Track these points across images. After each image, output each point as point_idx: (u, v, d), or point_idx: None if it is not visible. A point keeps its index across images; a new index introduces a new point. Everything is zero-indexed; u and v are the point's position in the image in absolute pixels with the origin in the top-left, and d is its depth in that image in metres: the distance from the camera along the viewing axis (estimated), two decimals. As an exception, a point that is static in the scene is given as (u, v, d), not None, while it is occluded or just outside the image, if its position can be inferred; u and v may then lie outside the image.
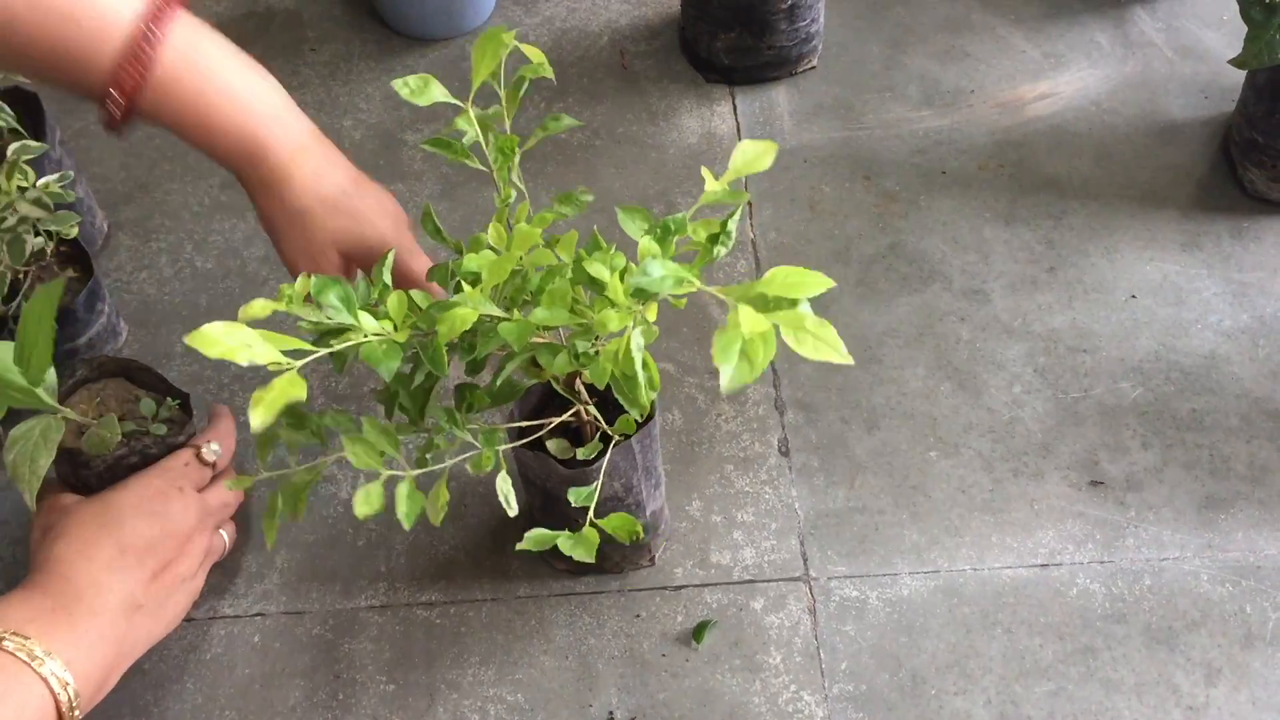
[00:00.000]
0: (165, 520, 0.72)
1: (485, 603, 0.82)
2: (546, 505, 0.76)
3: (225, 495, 0.78)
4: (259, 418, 0.51)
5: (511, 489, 0.65)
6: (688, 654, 0.80)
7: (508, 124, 0.66)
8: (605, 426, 0.71)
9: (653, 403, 0.73)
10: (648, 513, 0.79)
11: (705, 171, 0.58)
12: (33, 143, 0.82)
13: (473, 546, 0.84)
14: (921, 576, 0.83)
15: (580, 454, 0.71)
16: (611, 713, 0.77)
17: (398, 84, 0.64)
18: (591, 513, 0.67)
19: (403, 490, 0.61)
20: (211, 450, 0.77)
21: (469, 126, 0.65)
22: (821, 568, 0.83)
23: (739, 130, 1.09)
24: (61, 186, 0.83)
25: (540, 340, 0.62)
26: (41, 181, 0.83)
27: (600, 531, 0.66)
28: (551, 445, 0.73)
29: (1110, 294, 0.97)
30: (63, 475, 0.77)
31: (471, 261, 0.61)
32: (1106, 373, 0.93)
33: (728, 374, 0.46)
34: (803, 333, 0.47)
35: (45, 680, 0.63)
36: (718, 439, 0.89)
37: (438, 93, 0.64)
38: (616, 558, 0.82)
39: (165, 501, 0.73)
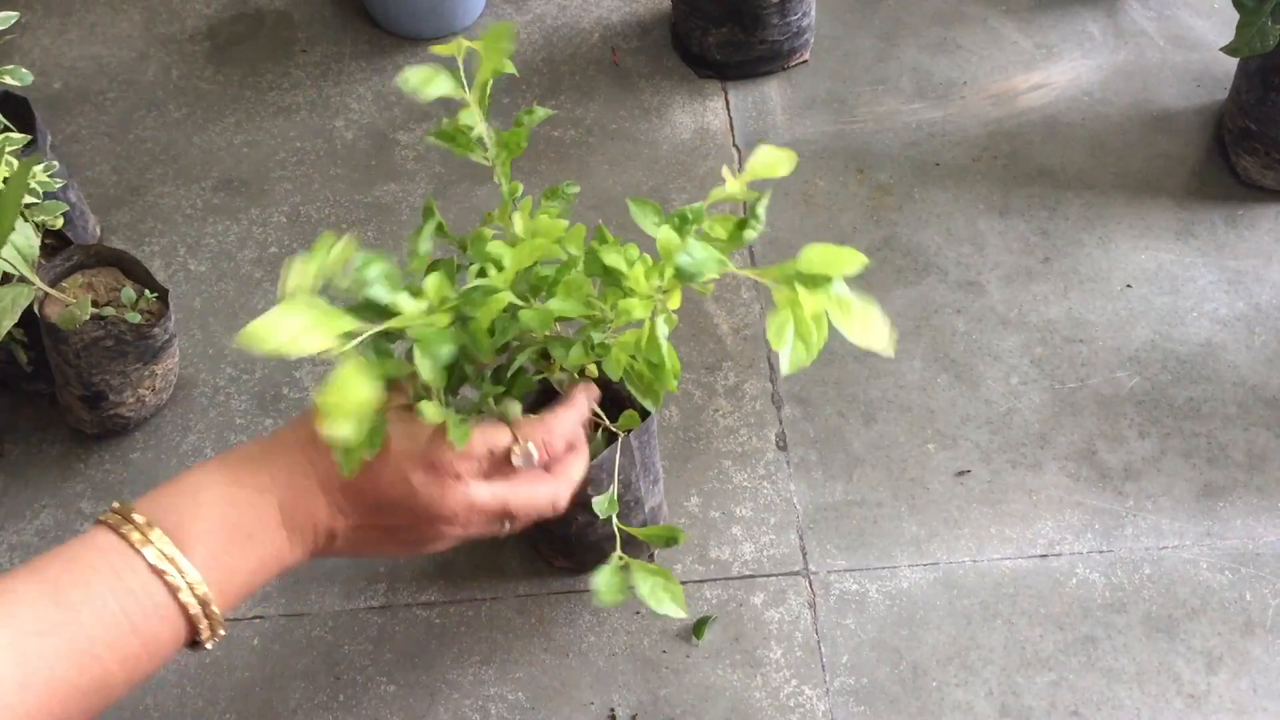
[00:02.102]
0: (411, 498, 0.61)
1: (485, 602, 0.82)
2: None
3: (506, 498, 0.62)
4: (345, 429, 0.50)
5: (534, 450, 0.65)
6: (688, 650, 0.79)
7: (483, 122, 0.65)
8: (608, 423, 0.71)
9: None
10: (646, 509, 0.78)
11: (726, 170, 0.58)
12: (15, 134, 0.82)
13: (471, 546, 0.84)
14: (921, 569, 0.83)
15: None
16: (613, 710, 0.77)
17: (403, 78, 0.63)
18: (615, 519, 0.67)
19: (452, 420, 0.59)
20: (521, 453, 0.63)
21: (474, 121, 0.65)
22: (821, 561, 0.83)
23: (732, 125, 1.09)
24: (49, 175, 0.83)
25: (551, 334, 0.62)
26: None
27: (631, 541, 0.66)
28: None
29: (1106, 283, 0.97)
30: (46, 351, 0.83)
31: (495, 248, 0.60)
32: (1103, 362, 0.93)
33: (787, 356, 0.47)
34: (849, 316, 0.48)
35: (163, 576, 0.54)
36: (715, 434, 0.89)
37: (445, 85, 0.63)
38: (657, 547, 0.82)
39: (424, 480, 0.61)
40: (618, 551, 0.66)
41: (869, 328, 0.48)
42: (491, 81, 0.65)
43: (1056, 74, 1.13)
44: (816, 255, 0.49)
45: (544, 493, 0.63)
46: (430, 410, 0.58)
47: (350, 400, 0.51)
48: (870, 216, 1.02)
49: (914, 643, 0.79)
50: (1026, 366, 0.93)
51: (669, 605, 0.64)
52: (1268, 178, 1.02)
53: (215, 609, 0.56)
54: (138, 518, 0.56)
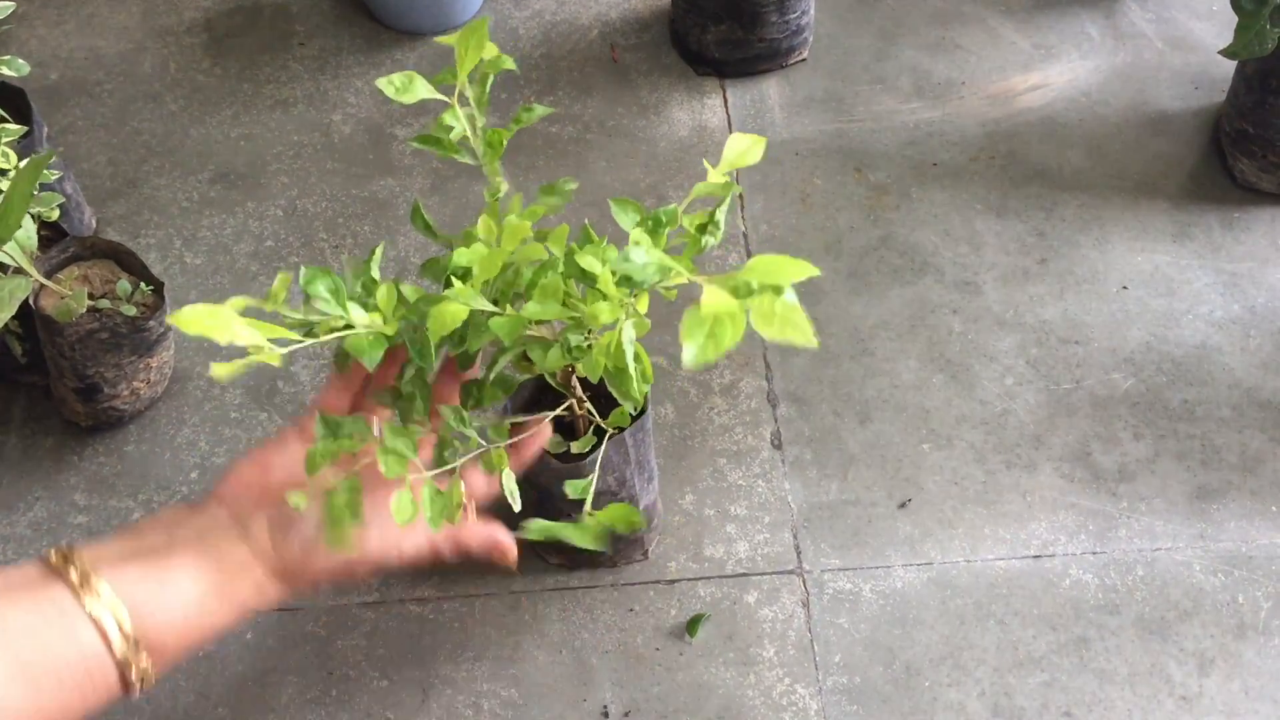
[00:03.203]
0: (349, 576, 0.64)
1: (478, 598, 0.82)
2: (541, 501, 0.75)
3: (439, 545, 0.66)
4: (224, 371, 0.51)
5: (516, 486, 0.65)
6: (681, 648, 0.79)
7: (480, 120, 0.66)
8: (599, 420, 0.71)
9: (645, 397, 0.73)
10: (641, 506, 0.79)
11: (707, 163, 0.58)
12: (12, 125, 0.82)
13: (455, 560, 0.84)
14: (915, 569, 0.83)
15: (574, 448, 0.71)
16: (606, 707, 0.77)
17: (382, 83, 0.63)
18: (588, 505, 0.67)
19: (425, 495, 0.60)
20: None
21: (456, 121, 0.65)
22: (815, 560, 0.83)
23: (730, 123, 1.09)
24: (46, 167, 0.83)
25: (532, 335, 0.61)
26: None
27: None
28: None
29: (1102, 285, 0.98)
30: (41, 343, 0.83)
31: (462, 256, 0.60)
32: (1098, 364, 0.93)
33: (691, 351, 0.47)
34: (770, 315, 0.47)
35: (89, 614, 0.54)
36: (710, 432, 0.89)
37: (422, 90, 0.64)
38: (610, 551, 0.81)
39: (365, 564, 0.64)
40: (584, 511, 0.66)
41: (790, 325, 0.48)
42: (491, 79, 0.65)
43: (1054, 75, 1.13)
44: (762, 265, 0.49)
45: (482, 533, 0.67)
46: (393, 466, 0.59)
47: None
48: (867, 215, 1.02)
49: (907, 642, 0.79)
50: (1022, 367, 0.93)
51: (589, 540, 0.65)
52: (1265, 180, 1.02)
53: (145, 658, 0.56)
54: (78, 561, 0.56)
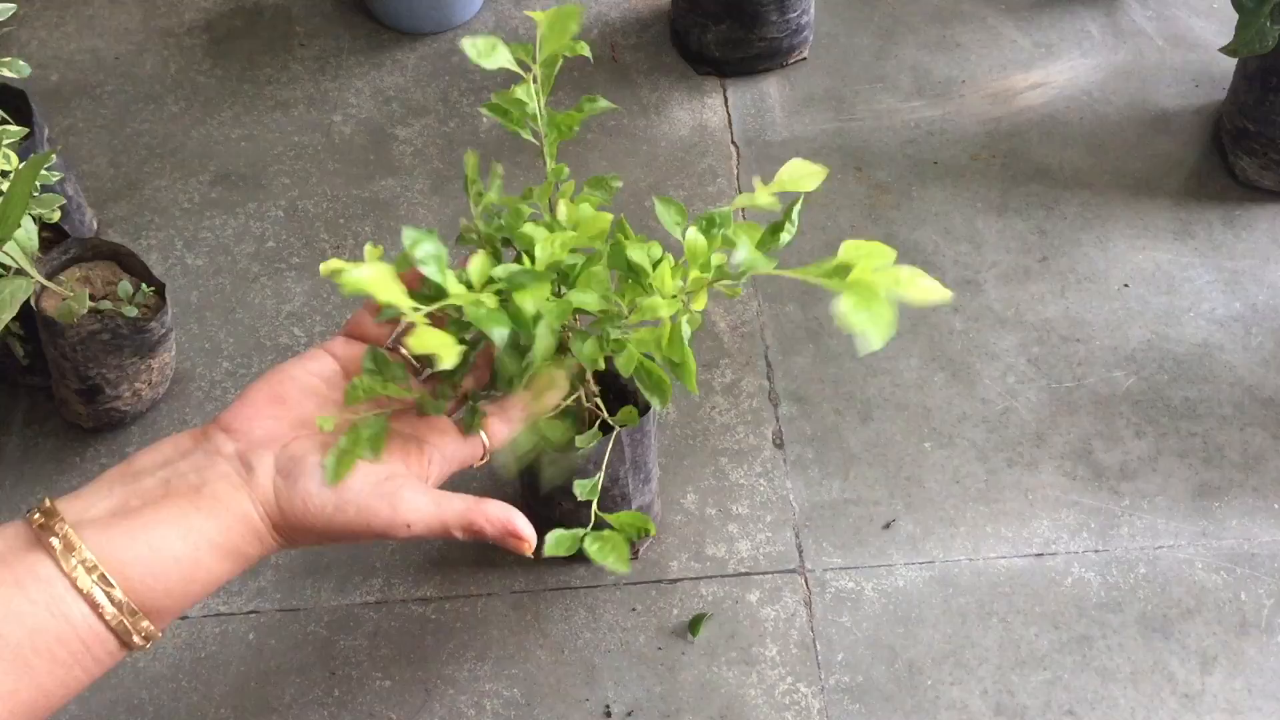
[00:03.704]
0: (360, 535, 0.59)
1: (480, 598, 0.82)
2: (533, 485, 0.76)
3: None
4: (445, 358, 0.50)
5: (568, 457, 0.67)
6: (684, 647, 0.79)
7: (542, 101, 0.66)
8: (606, 416, 0.71)
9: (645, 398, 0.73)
10: (634, 506, 0.79)
11: (757, 181, 0.59)
12: (13, 127, 0.82)
13: (468, 541, 0.84)
14: (917, 567, 0.83)
15: (579, 442, 0.71)
16: (608, 706, 0.77)
17: (466, 43, 0.62)
18: (595, 505, 0.67)
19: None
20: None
21: (528, 98, 0.65)
22: (817, 559, 0.83)
23: (730, 122, 1.09)
24: (46, 168, 0.83)
25: (573, 326, 0.62)
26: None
27: (603, 525, 0.66)
28: (546, 427, 0.73)
29: (1103, 283, 0.97)
30: (43, 344, 0.83)
31: (531, 230, 0.60)
32: (1100, 362, 0.93)
33: (874, 335, 0.49)
34: (912, 285, 0.51)
35: (75, 585, 0.51)
36: (712, 432, 0.89)
37: (504, 57, 0.63)
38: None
39: (379, 520, 0.59)
40: (587, 529, 0.65)
41: (923, 288, 0.51)
42: (560, 62, 0.65)
43: (1055, 73, 1.13)
44: (853, 250, 0.51)
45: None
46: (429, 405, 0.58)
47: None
48: (868, 214, 1.02)
49: (909, 641, 0.79)
50: (1023, 365, 0.93)
51: (612, 559, 0.64)
52: (1266, 178, 1.02)
53: (138, 613, 0.52)
54: (60, 527, 0.52)
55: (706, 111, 1.10)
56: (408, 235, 0.54)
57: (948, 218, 1.02)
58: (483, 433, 0.61)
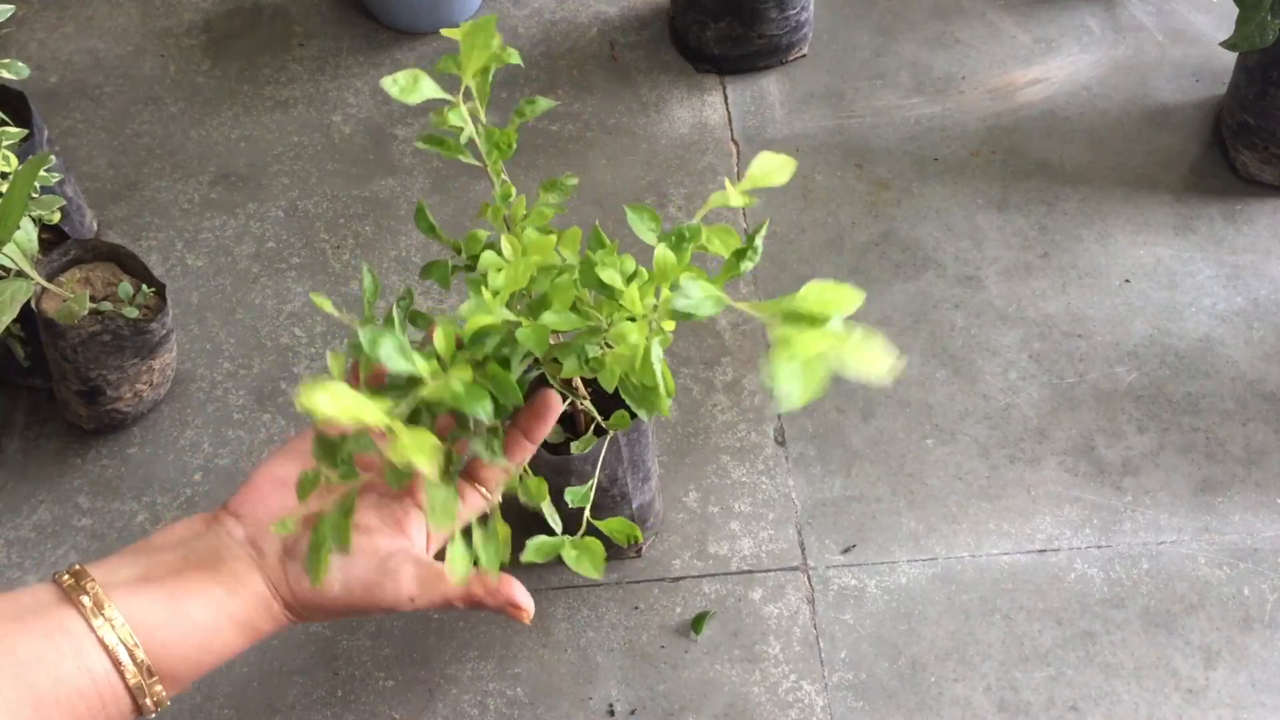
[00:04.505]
0: (367, 608, 0.61)
1: (483, 597, 0.82)
2: None
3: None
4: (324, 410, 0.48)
5: (554, 509, 0.65)
6: (687, 645, 0.79)
7: (482, 115, 0.65)
8: (600, 420, 0.71)
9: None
10: (634, 506, 0.78)
11: (728, 183, 0.57)
12: (13, 129, 0.82)
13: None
14: (920, 564, 0.83)
15: (574, 448, 0.71)
16: (611, 705, 0.77)
17: (386, 82, 0.62)
18: (587, 512, 0.67)
19: (478, 538, 0.59)
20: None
21: (462, 122, 0.64)
22: (819, 557, 0.83)
23: (730, 120, 1.09)
24: (46, 170, 0.83)
25: (556, 342, 0.61)
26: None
27: (592, 529, 0.66)
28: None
29: (1104, 279, 0.97)
30: (44, 346, 0.83)
31: (489, 259, 0.59)
32: (1101, 357, 0.93)
33: (793, 394, 0.46)
34: (857, 353, 0.47)
35: (101, 641, 0.53)
36: (714, 430, 0.89)
37: (427, 89, 0.62)
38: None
39: (383, 588, 0.61)
40: (576, 535, 0.65)
41: (870, 360, 0.47)
42: (491, 76, 0.64)
43: (1055, 69, 1.12)
44: (815, 294, 0.48)
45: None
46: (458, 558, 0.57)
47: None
48: (869, 211, 1.02)
49: (912, 638, 0.79)
50: (1025, 361, 0.92)
51: (588, 567, 0.63)
52: (1266, 173, 1.02)
53: (156, 681, 0.54)
54: (90, 586, 0.54)
55: (706, 109, 1.10)
56: (365, 336, 0.52)
57: (948, 214, 1.02)
58: (480, 488, 0.62)
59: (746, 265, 0.59)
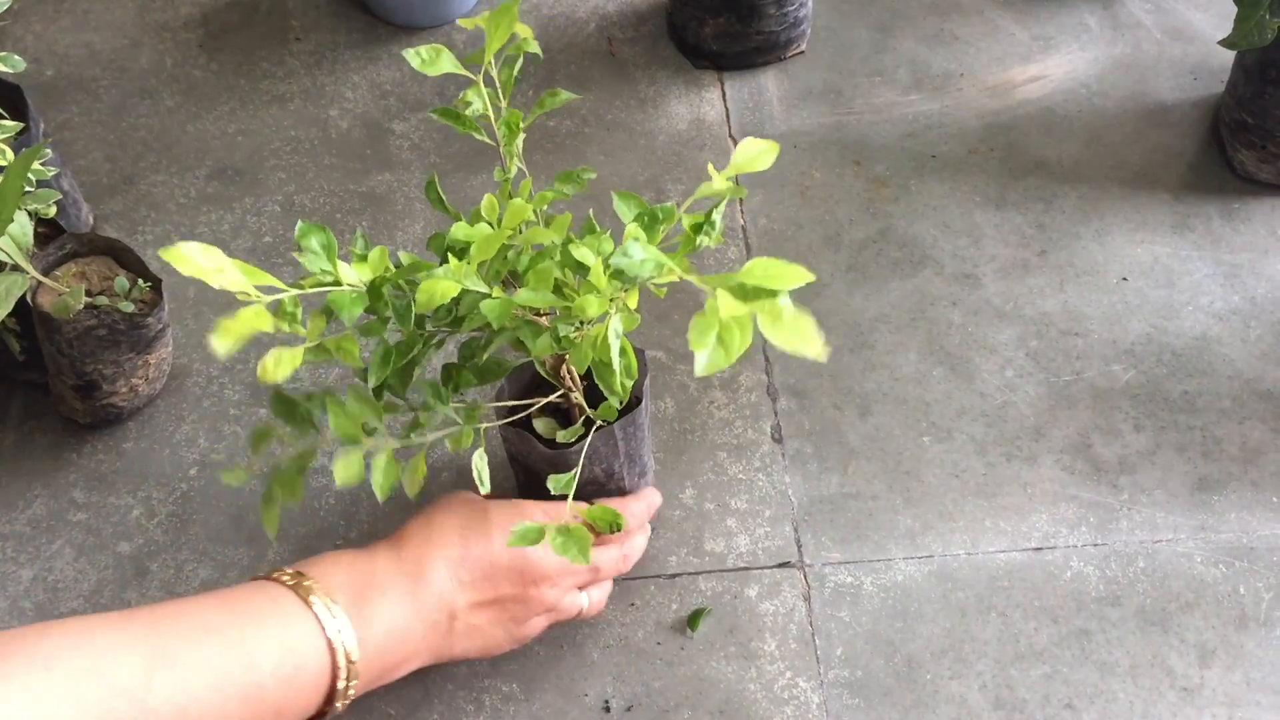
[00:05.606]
0: (520, 557, 0.69)
1: (479, 593, 0.82)
2: (530, 483, 0.75)
3: (606, 557, 0.75)
4: (223, 345, 0.51)
5: (486, 467, 0.66)
6: (682, 642, 0.79)
7: (504, 102, 0.66)
8: (589, 410, 0.71)
9: (637, 390, 0.72)
10: None
11: (711, 168, 0.57)
12: (9, 122, 0.82)
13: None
14: (916, 561, 0.83)
15: (560, 437, 0.71)
16: (607, 701, 0.77)
17: (409, 53, 0.63)
18: (571, 498, 0.67)
19: (379, 461, 0.62)
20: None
21: (478, 99, 0.65)
22: (815, 554, 0.83)
23: (728, 116, 1.09)
24: (41, 163, 0.83)
25: (526, 319, 0.61)
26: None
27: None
28: (539, 424, 0.73)
29: (1101, 277, 0.97)
30: (39, 340, 0.83)
31: (460, 231, 0.60)
32: (1098, 355, 0.93)
33: (703, 359, 0.47)
34: (779, 322, 0.47)
35: (330, 642, 0.62)
36: (710, 426, 0.89)
37: (448, 63, 0.64)
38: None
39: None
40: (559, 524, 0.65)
41: (800, 336, 0.47)
42: (516, 68, 0.65)
43: (1053, 66, 1.12)
44: (760, 268, 0.48)
45: (615, 555, 0.75)
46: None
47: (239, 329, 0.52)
48: (866, 208, 1.02)
49: (908, 635, 0.79)
50: (1022, 359, 0.92)
51: (574, 553, 0.63)
52: (1264, 171, 1.02)
53: (355, 663, 0.63)
54: (303, 578, 0.64)
55: (704, 105, 1.10)
56: (299, 228, 0.57)
57: (946, 211, 1.02)
58: (584, 595, 0.75)
59: (704, 240, 0.60)
